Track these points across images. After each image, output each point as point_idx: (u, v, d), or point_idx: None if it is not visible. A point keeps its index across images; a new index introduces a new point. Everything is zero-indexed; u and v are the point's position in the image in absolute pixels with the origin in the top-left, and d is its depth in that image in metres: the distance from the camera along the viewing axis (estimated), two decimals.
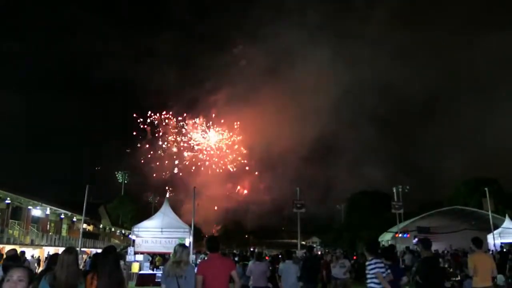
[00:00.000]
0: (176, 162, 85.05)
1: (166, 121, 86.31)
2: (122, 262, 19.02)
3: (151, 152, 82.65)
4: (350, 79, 73.18)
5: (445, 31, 79.50)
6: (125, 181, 71.49)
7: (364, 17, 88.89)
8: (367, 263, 6.73)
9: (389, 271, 6.69)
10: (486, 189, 27.68)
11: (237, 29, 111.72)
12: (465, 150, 61.68)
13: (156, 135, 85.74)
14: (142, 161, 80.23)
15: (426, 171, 69.10)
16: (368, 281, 6.59)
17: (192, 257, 17.76)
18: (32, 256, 24.74)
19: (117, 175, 72.76)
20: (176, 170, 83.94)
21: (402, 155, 69.70)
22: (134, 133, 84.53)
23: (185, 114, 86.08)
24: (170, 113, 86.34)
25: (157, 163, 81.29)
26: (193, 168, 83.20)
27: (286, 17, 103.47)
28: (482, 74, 69.55)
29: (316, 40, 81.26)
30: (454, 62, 70.77)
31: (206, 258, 7.76)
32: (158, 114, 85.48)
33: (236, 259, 17.29)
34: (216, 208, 74.50)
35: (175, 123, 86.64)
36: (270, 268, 11.52)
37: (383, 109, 74.38)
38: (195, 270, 5.51)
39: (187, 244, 17.19)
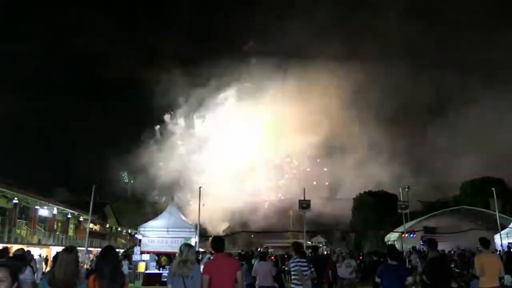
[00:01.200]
0: (184, 161, 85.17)
1: (175, 120, 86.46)
2: (127, 262, 19.17)
3: (159, 152, 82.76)
4: (358, 77, 72.60)
5: (459, 29, 78.33)
6: (131, 181, 71.68)
7: (374, 14, 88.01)
8: (290, 261, 7.61)
9: (313, 269, 7.76)
10: (493, 189, 27.54)
11: (246, 27, 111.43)
12: (472, 150, 60.93)
13: (165, 133, 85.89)
14: (149, 161, 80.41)
15: (433, 171, 68.45)
16: (292, 277, 7.45)
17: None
18: (40, 256, 24.94)
19: (123, 176, 72.92)
20: (183, 170, 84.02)
21: (409, 154, 69.07)
22: (142, 133, 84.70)
23: (193, 113, 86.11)
24: (178, 112, 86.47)
25: (164, 163, 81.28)
26: (200, 167, 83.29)
27: (295, 14, 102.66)
28: (495, 72, 68.58)
29: (323, 38, 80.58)
30: (467, 61, 69.90)
31: (211, 258, 7.79)
32: (166, 114, 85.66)
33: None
34: (222, 207, 74.48)
35: (183, 122, 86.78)
36: (276, 267, 11.55)
37: (392, 108, 73.51)
38: (201, 269, 5.53)
39: (192, 243, 17.25)
